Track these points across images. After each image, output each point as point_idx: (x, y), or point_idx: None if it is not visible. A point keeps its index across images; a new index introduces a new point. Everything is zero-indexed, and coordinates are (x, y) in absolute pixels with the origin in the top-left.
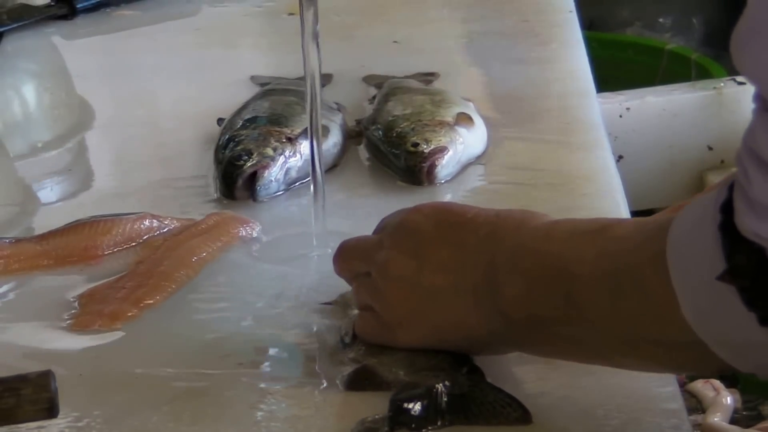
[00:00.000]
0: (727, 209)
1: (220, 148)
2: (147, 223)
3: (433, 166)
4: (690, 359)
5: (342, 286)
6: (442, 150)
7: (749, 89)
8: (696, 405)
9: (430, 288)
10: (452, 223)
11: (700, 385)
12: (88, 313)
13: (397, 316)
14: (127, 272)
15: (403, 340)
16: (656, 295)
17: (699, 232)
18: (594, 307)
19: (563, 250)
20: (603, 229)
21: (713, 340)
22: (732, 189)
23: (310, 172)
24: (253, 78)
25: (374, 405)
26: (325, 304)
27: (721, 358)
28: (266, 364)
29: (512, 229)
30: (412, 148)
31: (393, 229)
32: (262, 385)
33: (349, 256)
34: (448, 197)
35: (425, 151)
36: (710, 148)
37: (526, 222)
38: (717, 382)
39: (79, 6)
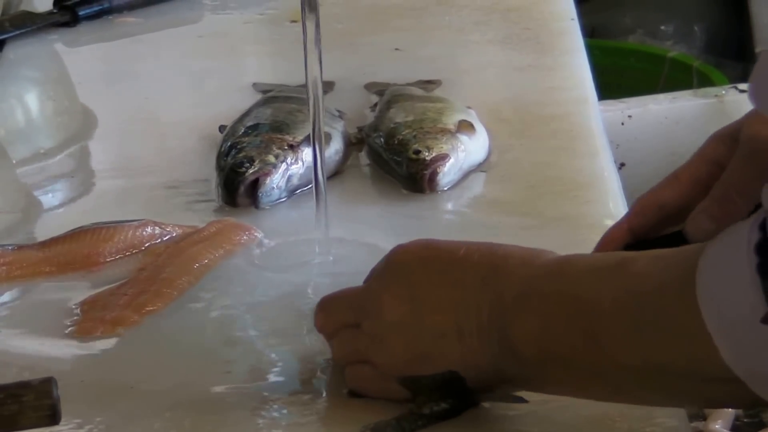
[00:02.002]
0: (762, 251)
1: (222, 155)
2: (149, 230)
3: (434, 174)
4: (722, 393)
5: None
6: (443, 157)
7: None
8: (697, 411)
9: (432, 331)
10: (444, 261)
11: None
12: (90, 319)
13: (399, 363)
14: (129, 279)
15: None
16: (687, 330)
17: (734, 274)
18: (616, 342)
19: (580, 287)
20: (620, 265)
21: (754, 379)
22: (764, 229)
23: (312, 180)
24: (255, 85)
25: (376, 412)
26: None
27: (759, 394)
28: (268, 371)
29: (518, 265)
30: (413, 156)
31: (380, 273)
32: (264, 393)
33: (333, 308)
34: (449, 205)
35: (427, 158)
36: None
37: (532, 258)
38: None
39: (81, 13)
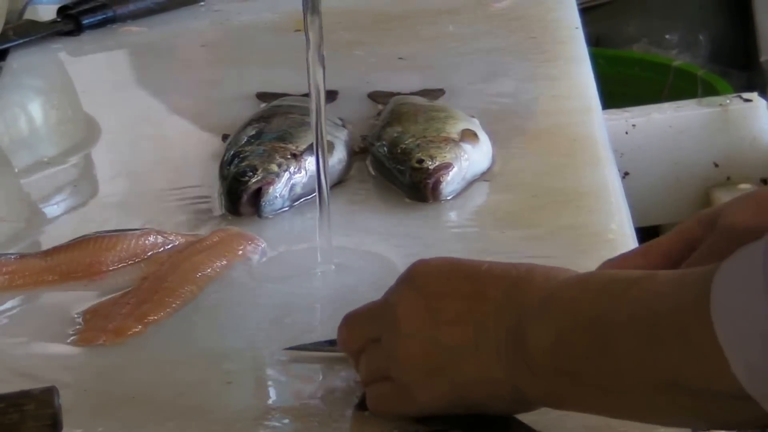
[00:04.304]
0: None
1: (225, 164)
2: (152, 239)
3: (437, 183)
4: (733, 412)
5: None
6: (446, 166)
7: (755, 106)
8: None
9: (449, 343)
10: (465, 275)
11: None
12: (93, 328)
13: (415, 376)
14: (131, 288)
15: (422, 400)
16: (700, 346)
17: (748, 290)
18: (630, 357)
19: (597, 300)
20: (638, 281)
21: (765, 397)
22: None
23: (316, 188)
24: (258, 94)
25: (379, 422)
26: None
27: None
28: (270, 381)
29: (541, 280)
30: (417, 165)
31: (399, 285)
32: (266, 402)
33: (355, 323)
34: (452, 214)
35: (430, 167)
36: (716, 165)
37: (555, 274)
38: None
39: (85, 22)
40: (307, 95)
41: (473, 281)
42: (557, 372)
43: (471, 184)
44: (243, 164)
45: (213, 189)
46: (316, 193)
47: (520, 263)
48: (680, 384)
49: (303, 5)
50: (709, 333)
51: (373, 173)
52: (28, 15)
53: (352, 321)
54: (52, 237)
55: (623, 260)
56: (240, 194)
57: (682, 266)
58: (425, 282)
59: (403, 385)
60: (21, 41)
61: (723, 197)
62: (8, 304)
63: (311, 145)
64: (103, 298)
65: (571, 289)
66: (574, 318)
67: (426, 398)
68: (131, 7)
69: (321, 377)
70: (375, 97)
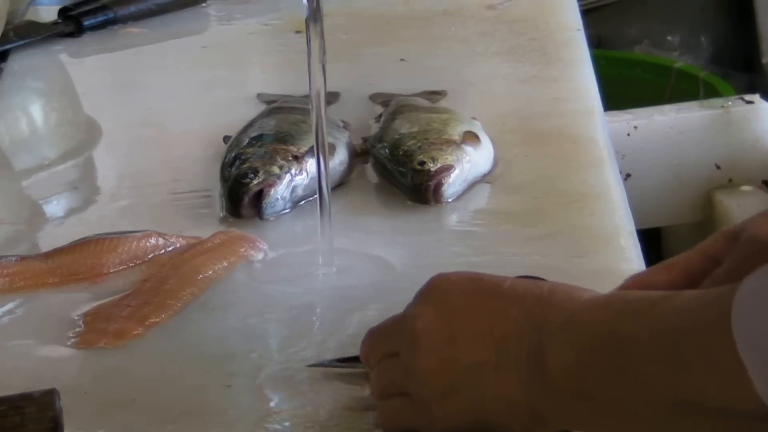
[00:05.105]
0: None
1: (226, 166)
2: (153, 241)
3: (439, 185)
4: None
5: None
6: (448, 168)
7: (757, 108)
8: None
9: (468, 361)
10: (487, 291)
11: None
12: (94, 331)
13: (433, 392)
14: (132, 290)
15: (437, 417)
16: (723, 365)
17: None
18: (651, 377)
19: (617, 320)
20: (660, 299)
21: None
22: None
23: (317, 190)
24: (259, 96)
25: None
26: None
27: None
28: (271, 383)
29: (563, 300)
30: (418, 167)
31: (419, 299)
32: (267, 405)
33: (377, 338)
34: (454, 216)
35: (432, 169)
36: (718, 167)
37: (577, 294)
38: None
39: (85, 23)
40: (308, 96)
41: (494, 298)
42: (577, 393)
43: (472, 186)
44: (244, 166)
45: (214, 191)
46: (317, 195)
47: (543, 281)
48: (702, 404)
49: (305, 8)
50: (731, 351)
51: (374, 175)
52: (29, 16)
53: (374, 336)
54: (52, 239)
55: (647, 275)
56: (241, 196)
57: (705, 282)
58: (445, 297)
59: (419, 401)
60: (22, 42)
61: (725, 199)
62: (8, 306)
63: (312, 146)
64: (104, 301)
65: (593, 309)
66: (594, 338)
67: (442, 415)
68: (132, 8)
69: (322, 380)
70: (376, 98)
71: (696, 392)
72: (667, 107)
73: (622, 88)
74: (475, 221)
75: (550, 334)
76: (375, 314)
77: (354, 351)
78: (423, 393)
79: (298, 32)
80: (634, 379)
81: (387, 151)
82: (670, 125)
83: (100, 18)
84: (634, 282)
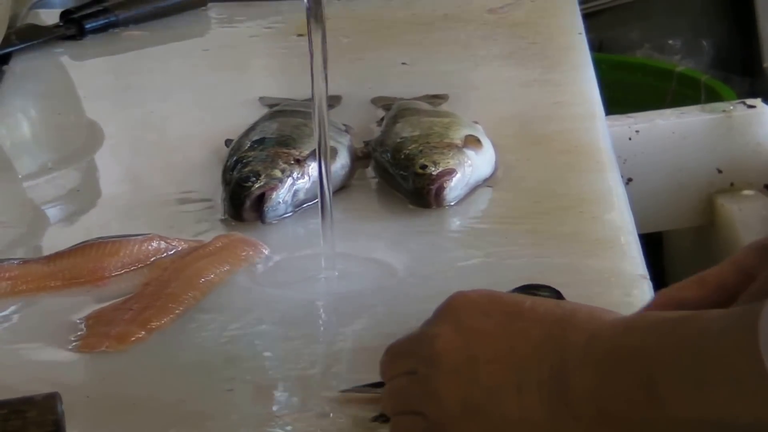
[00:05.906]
0: None
1: (227, 170)
2: (154, 244)
3: (441, 189)
4: None
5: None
6: (450, 172)
7: (759, 112)
8: None
9: (488, 383)
10: (508, 313)
11: None
12: (95, 334)
13: (450, 414)
14: (134, 294)
15: None
16: (749, 382)
17: None
18: (676, 395)
19: (641, 340)
20: (685, 319)
21: None
22: None
23: (318, 194)
24: (261, 99)
25: (382, 429)
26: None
27: None
28: (272, 388)
29: (585, 320)
30: (420, 170)
31: (437, 317)
32: (269, 409)
33: (396, 354)
34: (456, 220)
35: (433, 173)
36: (720, 171)
37: (599, 314)
38: None
39: (87, 26)
40: (310, 100)
41: (515, 319)
42: (600, 415)
43: (474, 189)
44: (246, 170)
45: (216, 194)
46: (319, 199)
47: (564, 301)
48: (728, 423)
49: (306, 11)
50: (758, 368)
51: (376, 179)
52: (31, 19)
53: (392, 353)
54: (54, 242)
55: (678, 290)
56: (243, 200)
57: (743, 297)
58: (464, 317)
59: (435, 422)
60: (24, 45)
61: (726, 203)
62: (10, 310)
63: (314, 150)
64: (106, 304)
65: (615, 329)
66: (618, 359)
67: None
68: (134, 11)
69: (324, 385)
70: (378, 102)
71: (722, 411)
72: (668, 111)
73: (624, 92)
74: (476, 225)
75: (572, 355)
76: (377, 318)
77: (356, 352)
78: (439, 414)
79: (299, 35)
80: (657, 400)
81: (389, 154)
82: (672, 129)
83: (101, 21)
84: (665, 297)
